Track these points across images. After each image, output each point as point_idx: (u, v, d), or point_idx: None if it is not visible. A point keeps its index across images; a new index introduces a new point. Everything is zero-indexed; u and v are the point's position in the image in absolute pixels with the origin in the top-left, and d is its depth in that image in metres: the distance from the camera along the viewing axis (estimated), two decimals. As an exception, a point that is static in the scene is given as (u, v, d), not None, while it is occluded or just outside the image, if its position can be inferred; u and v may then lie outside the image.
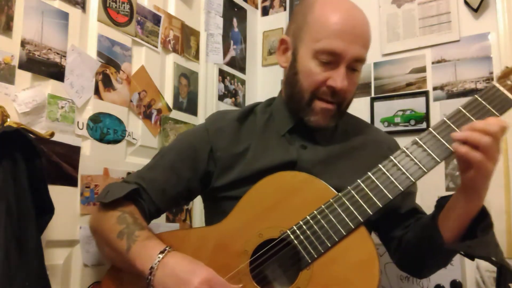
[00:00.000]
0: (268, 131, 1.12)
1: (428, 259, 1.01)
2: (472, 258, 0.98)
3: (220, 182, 1.08)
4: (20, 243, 0.92)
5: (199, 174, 1.11)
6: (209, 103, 1.72)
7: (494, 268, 1.10)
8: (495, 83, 0.93)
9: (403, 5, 1.75)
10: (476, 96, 0.92)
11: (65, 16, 1.20)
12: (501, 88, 0.91)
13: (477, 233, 0.90)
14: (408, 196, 1.10)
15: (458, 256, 1.46)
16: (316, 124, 1.06)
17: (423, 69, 1.67)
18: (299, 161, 1.05)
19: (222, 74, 1.81)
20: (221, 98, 1.78)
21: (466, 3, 1.60)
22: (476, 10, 1.58)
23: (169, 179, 1.09)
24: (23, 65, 1.09)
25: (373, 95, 1.77)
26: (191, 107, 1.66)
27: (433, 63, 1.66)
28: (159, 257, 0.89)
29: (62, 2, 1.20)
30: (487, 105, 0.90)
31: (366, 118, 1.73)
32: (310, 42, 1.03)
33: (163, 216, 1.48)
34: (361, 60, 1.04)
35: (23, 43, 1.09)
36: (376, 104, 1.74)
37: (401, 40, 1.73)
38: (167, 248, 0.92)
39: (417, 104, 1.65)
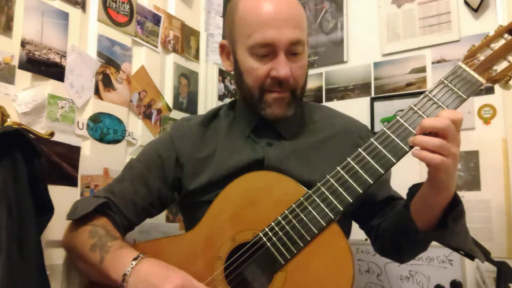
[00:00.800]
0: (233, 133, 1.11)
1: (406, 246, 1.00)
2: (472, 258, 0.98)
3: (190, 188, 1.07)
4: (20, 243, 0.92)
5: (169, 182, 1.10)
6: (209, 103, 1.72)
7: (494, 268, 1.10)
8: (460, 64, 0.90)
9: (403, 5, 1.75)
10: (442, 78, 0.89)
11: (65, 16, 1.20)
12: (467, 69, 0.89)
13: (448, 223, 0.89)
14: (383, 184, 1.09)
15: (458, 256, 1.46)
16: (273, 115, 1.03)
17: (423, 69, 1.67)
18: (266, 159, 1.04)
19: (222, 74, 1.81)
20: (221, 98, 1.78)
21: (466, 3, 1.60)
22: (476, 10, 1.58)
23: (138, 191, 1.08)
24: (23, 65, 1.09)
25: (373, 95, 1.77)
26: (191, 107, 1.66)
27: (433, 63, 1.66)
28: (132, 264, 0.88)
29: (62, 2, 1.20)
30: (454, 88, 0.88)
31: (366, 118, 1.73)
32: (242, 40, 1.02)
33: (163, 216, 1.48)
34: (298, 42, 1.00)
35: (23, 43, 1.09)
36: (376, 104, 1.74)
37: (401, 40, 1.73)
38: (140, 255, 0.90)
39: (417, 104, 1.65)
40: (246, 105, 1.10)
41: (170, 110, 1.55)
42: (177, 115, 1.58)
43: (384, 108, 1.72)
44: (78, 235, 1.00)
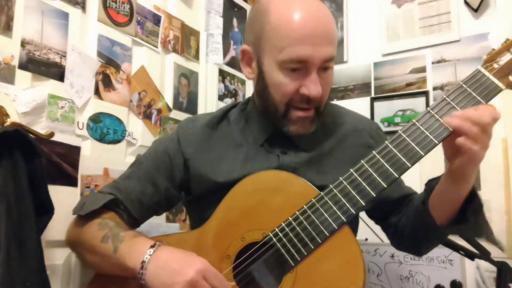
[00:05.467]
0: (245, 140, 1.07)
1: (424, 241, 1.01)
2: (472, 258, 0.98)
3: (199, 189, 1.06)
4: (20, 243, 0.92)
5: (177, 182, 1.08)
6: (209, 103, 1.72)
7: (494, 268, 1.10)
8: (480, 68, 0.89)
9: (403, 5, 1.75)
10: (461, 82, 0.88)
11: (65, 16, 1.20)
12: (487, 73, 0.87)
13: (468, 216, 0.89)
14: (397, 183, 1.06)
15: (458, 256, 1.46)
16: (296, 133, 1.01)
17: (423, 69, 1.68)
18: (281, 166, 1.01)
19: (222, 74, 1.81)
20: (221, 98, 1.78)
21: (466, 3, 1.61)
22: (476, 10, 1.58)
23: (145, 189, 1.06)
24: (23, 65, 1.09)
25: (373, 95, 1.77)
26: (191, 107, 1.66)
27: (433, 63, 1.66)
28: (150, 251, 0.87)
29: (62, 2, 1.20)
30: (473, 93, 0.87)
31: (366, 118, 1.73)
32: (273, 53, 0.95)
33: (163, 216, 1.48)
34: (331, 59, 0.96)
35: (23, 43, 1.09)
36: (376, 104, 1.75)
37: (401, 40, 1.73)
38: (157, 243, 0.89)
39: (417, 104, 1.65)
40: (264, 115, 1.06)
41: (170, 110, 1.55)
42: (177, 115, 1.58)
43: (384, 108, 1.72)
44: (86, 229, 0.98)
